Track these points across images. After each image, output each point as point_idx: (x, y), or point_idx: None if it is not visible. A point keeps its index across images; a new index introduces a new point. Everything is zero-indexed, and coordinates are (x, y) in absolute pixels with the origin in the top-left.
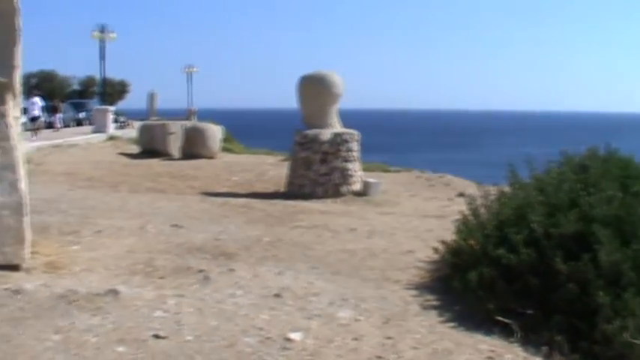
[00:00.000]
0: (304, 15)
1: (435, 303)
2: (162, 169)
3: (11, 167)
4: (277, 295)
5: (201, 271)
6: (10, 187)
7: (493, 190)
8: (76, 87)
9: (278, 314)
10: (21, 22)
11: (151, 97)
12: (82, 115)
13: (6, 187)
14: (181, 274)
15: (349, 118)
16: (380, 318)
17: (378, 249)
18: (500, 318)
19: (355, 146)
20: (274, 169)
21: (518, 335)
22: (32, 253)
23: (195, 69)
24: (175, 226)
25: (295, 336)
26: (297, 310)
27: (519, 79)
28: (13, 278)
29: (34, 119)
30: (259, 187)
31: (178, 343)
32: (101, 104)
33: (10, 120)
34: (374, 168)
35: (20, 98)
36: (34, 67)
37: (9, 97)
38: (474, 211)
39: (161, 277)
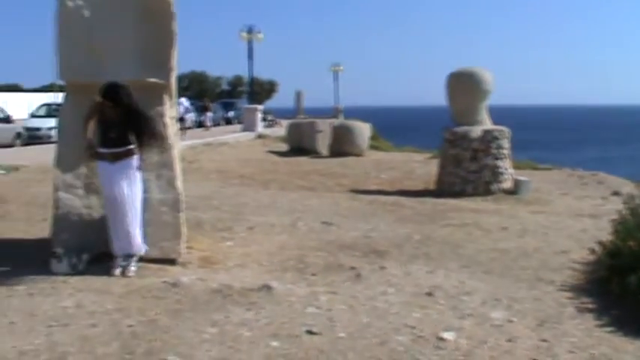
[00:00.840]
0: (448, 12)
1: (591, 306)
2: (311, 166)
3: (169, 165)
4: (429, 294)
5: (352, 268)
6: (167, 184)
7: None
8: (225, 87)
9: (430, 313)
10: (176, 26)
11: (298, 95)
12: (231, 114)
13: (164, 184)
14: (333, 271)
15: (495, 114)
16: (534, 320)
17: (530, 248)
18: None
19: (505, 143)
20: (422, 167)
21: None
22: (187, 248)
23: (341, 68)
24: (326, 223)
25: (448, 335)
26: (450, 309)
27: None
28: (171, 272)
29: (180, 119)
30: (408, 185)
31: (331, 339)
32: (249, 103)
33: (167, 120)
34: (523, 166)
35: (175, 99)
36: (185, 69)
37: (166, 98)
38: (633, 211)
39: (313, 274)
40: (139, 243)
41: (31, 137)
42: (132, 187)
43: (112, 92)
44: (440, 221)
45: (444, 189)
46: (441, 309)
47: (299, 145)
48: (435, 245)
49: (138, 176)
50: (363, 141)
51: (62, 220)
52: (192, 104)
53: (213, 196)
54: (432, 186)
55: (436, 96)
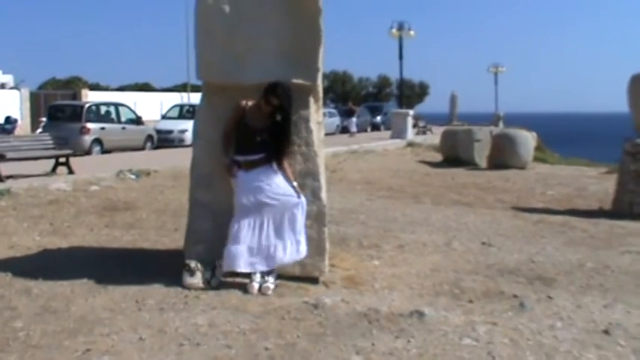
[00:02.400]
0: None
1: None
2: (468, 179)
3: (313, 174)
4: (606, 332)
5: (515, 296)
6: (312, 195)
7: None
8: (370, 89)
9: (608, 355)
10: (323, 22)
11: (453, 99)
12: (378, 119)
13: (308, 195)
14: (493, 299)
15: None
16: None
17: None
18: None
19: None
20: (597, 183)
21: None
22: (330, 265)
23: (502, 69)
24: (485, 244)
25: None
26: (632, 352)
27: None
28: (312, 291)
29: None
30: (580, 204)
31: None
32: (399, 107)
33: (312, 125)
34: None
35: (321, 102)
36: (325, 68)
37: (312, 101)
38: None
39: (470, 301)
40: (274, 260)
41: (162, 140)
42: (273, 195)
43: (281, 90)
44: (618, 247)
45: (622, 209)
46: (622, 352)
47: (454, 155)
48: (611, 275)
49: (276, 182)
50: (526, 152)
51: (196, 232)
52: (335, 107)
53: (359, 210)
54: (608, 206)
55: (612, 102)
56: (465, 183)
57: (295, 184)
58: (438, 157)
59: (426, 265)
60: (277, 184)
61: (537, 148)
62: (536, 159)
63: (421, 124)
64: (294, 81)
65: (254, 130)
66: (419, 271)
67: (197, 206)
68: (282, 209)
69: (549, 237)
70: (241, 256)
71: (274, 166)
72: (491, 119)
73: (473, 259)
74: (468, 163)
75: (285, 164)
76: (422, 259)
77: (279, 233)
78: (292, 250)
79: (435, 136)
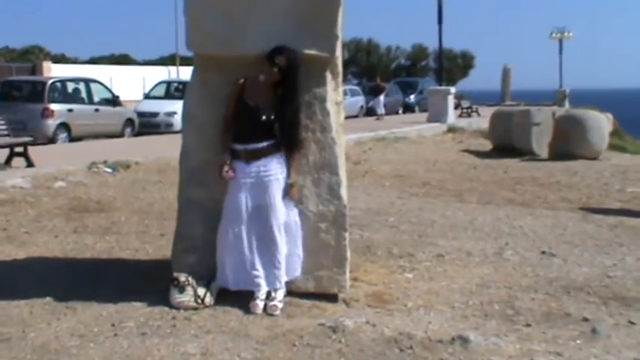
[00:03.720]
0: None
1: None
2: (524, 173)
3: (331, 167)
4: None
5: (585, 320)
6: (328, 192)
7: None
8: (402, 61)
9: None
10: None
11: (506, 73)
12: (411, 98)
13: (324, 191)
14: (556, 323)
15: None
16: None
17: None
18: None
19: None
20: None
21: None
22: (352, 279)
23: (568, 34)
24: (545, 253)
25: None
26: None
27: None
28: (330, 311)
29: None
30: None
31: None
32: (437, 84)
33: (330, 106)
34: None
35: (341, 78)
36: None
37: (328, 77)
38: None
39: (527, 324)
40: (281, 273)
41: (145, 125)
42: (277, 195)
43: (286, 53)
44: None
45: None
46: None
47: (506, 143)
48: None
49: (282, 180)
50: (599, 139)
51: (188, 238)
52: (358, 84)
53: (388, 210)
54: None
55: None
56: (521, 177)
57: (293, 181)
58: (486, 145)
59: (471, 279)
60: (274, 183)
61: (613, 134)
62: (612, 147)
63: (465, 104)
64: (307, 52)
65: (256, 109)
66: (462, 286)
67: (189, 206)
68: (288, 211)
69: (629, 245)
70: (235, 270)
71: (281, 156)
72: (554, 98)
73: (530, 272)
74: (525, 153)
75: (296, 156)
76: (466, 272)
77: (287, 240)
78: (296, 264)
79: (482, 119)
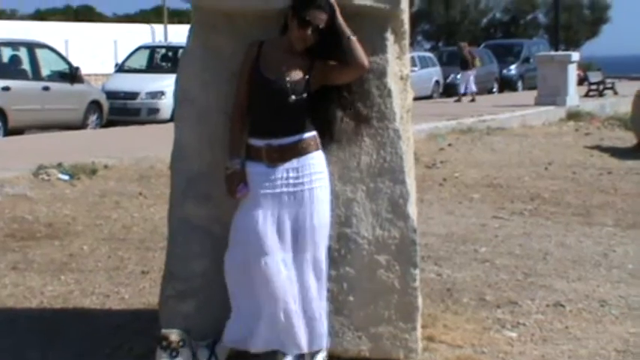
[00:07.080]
0: None
1: None
2: None
3: (393, 172)
4: None
5: None
6: (390, 209)
7: None
8: (497, 15)
9: None
10: None
11: None
12: (511, 69)
13: (383, 209)
14: None
15: None
16: None
17: None
18: None
19: None
20: None
21: None
22: (427, 339)
23: None
24: None
25: None
26: None
27: None
28: None
29: None
30: None
31: None
32: (551, 48)
33: (391, 82)
34: None
35: (407, 41)
36: None
37: (389, 39)
38: None
39: None
40: (323, 331)
41: (119, 111)
42: (318, 213)
43: (325, 6)
44: None
45: None
46: None
47: None
48: None
49: (325, 189)
50: None
51: (182, 277)
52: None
53: (478, 237)
54: None
55: None
56: None
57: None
58: (627, 138)
59: (608, 341)
60: (326, 197)
61: None
62: None
63: (594, 77)
64: (358, 2)
65: (281, 85)
66: (594, 352)
67: (184, 230)
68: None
69: None
70: (254, 325)
71: (321, 156)
72: None
73: None
74: None
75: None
76: (599, 329)
77: (322, 290)
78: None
79: (620, 99)
